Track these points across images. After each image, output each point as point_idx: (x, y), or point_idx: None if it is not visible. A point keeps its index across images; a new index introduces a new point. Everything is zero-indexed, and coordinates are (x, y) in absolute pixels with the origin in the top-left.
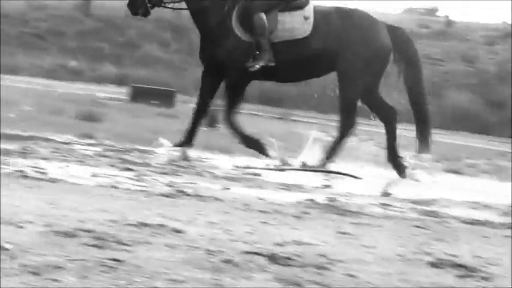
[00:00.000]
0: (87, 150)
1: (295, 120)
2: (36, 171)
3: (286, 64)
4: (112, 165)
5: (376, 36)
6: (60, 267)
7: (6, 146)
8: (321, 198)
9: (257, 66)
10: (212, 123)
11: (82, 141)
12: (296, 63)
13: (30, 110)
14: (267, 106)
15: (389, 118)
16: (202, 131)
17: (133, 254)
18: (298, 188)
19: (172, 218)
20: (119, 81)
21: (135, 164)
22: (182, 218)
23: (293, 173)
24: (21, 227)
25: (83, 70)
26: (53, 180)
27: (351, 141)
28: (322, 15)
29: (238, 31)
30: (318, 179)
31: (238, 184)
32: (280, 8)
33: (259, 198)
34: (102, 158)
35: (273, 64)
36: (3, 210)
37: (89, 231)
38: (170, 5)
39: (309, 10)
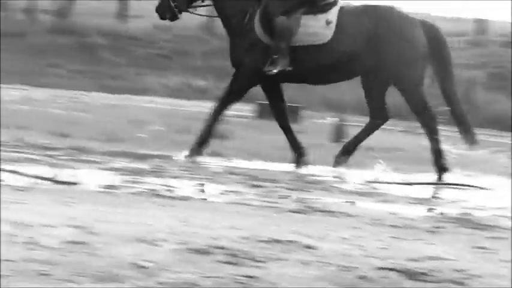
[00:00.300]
0: (216, 167)
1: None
2: (167, 190)
3: (308, 68)
4: (241, 182)
5: (415, 37)
6: (196, 285)
7: (138, 165)
8: (452, 211)
9: (274, 70)
10: (338, 138)
11: (211, 158)
12: (319, 68)
13: (160, 129)
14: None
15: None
16: (329, 145)
17: (266, 271)
18: (428, 201)
19: (304, 234)
20: (244, 99)
21: (264, 180)
22: (313, 234)
23: (418, 186)
24: (155, 245)
25: (208, 89)
26: (184, 198)
27: (481, 153)
28: (350, 17)
29: (259, 33)
30: (446, 192)
31: (367, 199)
32: (305, 10)
33: (390, 213)
34: (231, 175)
35: (290, 69)
36: (137, 228)
37: (221, 248)
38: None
39: (333, 13)
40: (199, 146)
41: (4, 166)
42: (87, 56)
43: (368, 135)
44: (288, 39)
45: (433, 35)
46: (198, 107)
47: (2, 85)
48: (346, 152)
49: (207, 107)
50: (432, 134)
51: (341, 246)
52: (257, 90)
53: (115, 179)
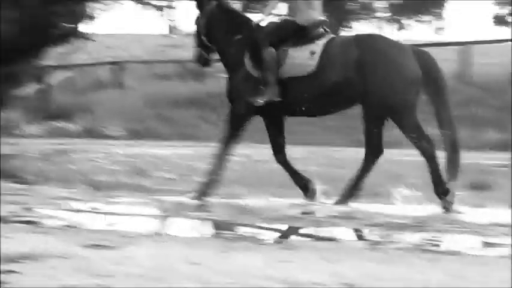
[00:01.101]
0: (479, 218)
1: None
2: (433, 244)
3: (297, 99)
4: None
5: (404, 62)
6: None
7: (399, 220)
8: None
9: (261, 101)
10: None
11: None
12: (308, 99)
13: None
14: None
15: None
16: None
17: None
18: None
19: None
20: (501, 147)
21: None
22: None
23: None
24: None
25: (462, 138)
26: (453, 253)
27: None
28: (338, 47)
29: (248, 67)
30: None
31: None
32: (292, 42)
33: None
34: (496, 227)
35: (278, 99)
36: (407, 283)
37: None
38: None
39: (319, 44)
40: (203, 191)
41: (266, 224)
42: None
43: (367, 173)
44: (274, 70)
45: (425, 61)
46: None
47: (257, 144)
48: (349, 196)
49: (462, 157)
50: (430, 160)
51: None
52: None
53: (378, 234)
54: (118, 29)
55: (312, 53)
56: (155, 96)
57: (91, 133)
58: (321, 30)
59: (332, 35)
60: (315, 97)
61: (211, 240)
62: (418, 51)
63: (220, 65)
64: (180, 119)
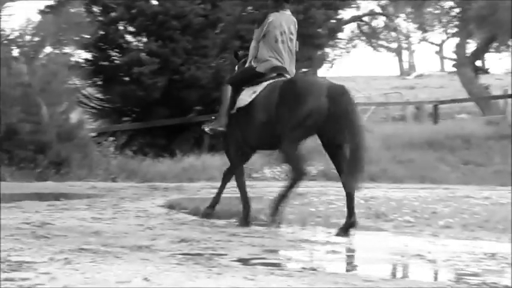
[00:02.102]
0: None
1: None
2: None
3: (242, 131)
4: None
5: (310, 97)
6: None
7: None
8: None
9: (206, 129)
10: None
11: None
12: (246, 132)
13: None
14: None
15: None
16: None
17: None
18: None
19: None
20: None
21: None
22: None
23: None
24: None
25: None
26: None
27: None
28: (268, 90)
29: None
30: None
31: None
32: (251, 83)
33: None
34: None
35: (221, 129)
36: None
37: None
38: None
39: (262, 85)
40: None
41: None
42: None
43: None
44: (225, 103)
45: (337, 93)
46: None
47: (499, 187)
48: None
49: None
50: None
51: None
52: None
53: None
54: (352, 71)
55: (254, 92)
56: (391, 138)
57: (326, 175)
58: (274, 74)
59: (278, 79)
60: (250, 131)
61: (456, 286)
62: (333, 86)
63: (457, 106)
64: (417, 161)
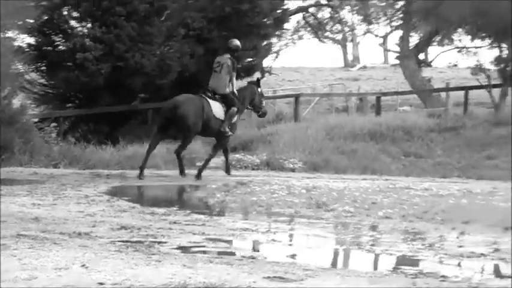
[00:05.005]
0: None
1: None
2: None
3: None
4: None
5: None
6: None
7: None
8: None
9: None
10: None
11: None
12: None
13: None
14: None
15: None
16: None
17: None
18: None
19: None
20: None
21: None
22: None
23: None
24: None
25: None
26: None
27: None
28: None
29: None
30: None
31: None
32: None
33: None
34: None
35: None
36: None
37: None
38: None
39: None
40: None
41: (450, 260)
42: None
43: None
44: None
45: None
46: None
47: (439, 178)
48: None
49: None
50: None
51: None
52: None
53: None
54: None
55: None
56: (334, 129)
57: (271, 165)
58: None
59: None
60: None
61: (393, 276)
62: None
63: (400, 98)
64: (359, 152)
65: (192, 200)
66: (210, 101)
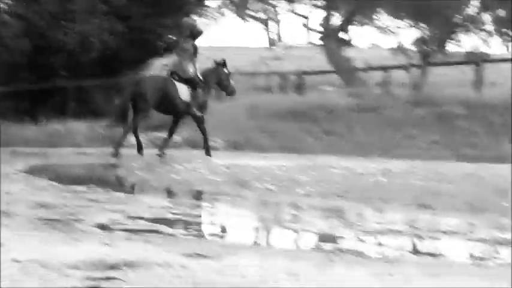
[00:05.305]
0: None
1: None
2: None
3: None
4: None
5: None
6: None
7: (503, 235)
8: None
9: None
10: None
11: None
12: None
13: None
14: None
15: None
16: None
17: None
18: None
19: None
20: None
21: None
22: None
23: None
24: None
25: None
26: None
27: None
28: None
29: None
30: None
31: None
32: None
33: None
34: None
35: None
36: None
37: None
38: None
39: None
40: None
41: (367, 238)
42: (443, 126)
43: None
44: None
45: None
46: None
47: (360, 158)
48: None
49: None
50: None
51: None
52: None
53: (481, 250)
54: (221, 41)
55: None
56: (257, 108)
57: (193, 144)
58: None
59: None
60: None
61: (312, 253)
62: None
63: (321, 78)
64: (281, 131)
65: (113, 178)
66: (176, 82)
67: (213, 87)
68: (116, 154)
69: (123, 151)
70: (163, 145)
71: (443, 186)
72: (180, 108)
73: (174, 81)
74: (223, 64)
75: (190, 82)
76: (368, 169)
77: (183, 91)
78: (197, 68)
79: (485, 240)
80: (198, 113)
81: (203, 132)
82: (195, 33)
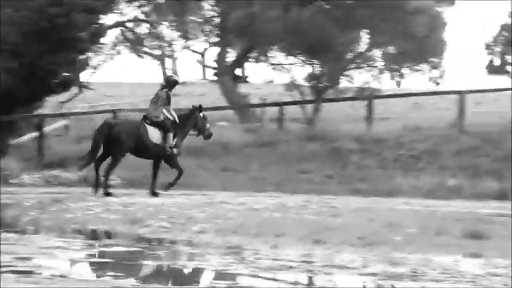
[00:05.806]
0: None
1: None
2: None
3: None
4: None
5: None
6: None
7: (396, 269)
8: None
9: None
10: None
11: (468, 260)
12: None
13: (414, 231)
14: None
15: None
16: None
17: None
18: None
19: None
20: (500, 196)
21: None
22: None
23: None
24: None
25: (461, 187)
26: None
27: None
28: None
29: None
30: None
31: None
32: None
33: None
34: (494, 277)
35: None
36: None
37: None
38: None
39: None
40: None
41: (262, 273)
42: (336, 160)
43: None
44: None
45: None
46: (451, 206)
47: (255, 193)
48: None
49: (461, 206)
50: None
51: None
52: None
53: (374, 285)
54: (117, 77)
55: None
56: None
57: (88, 182)
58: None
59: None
60: None
61: None
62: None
63: (217, 114)
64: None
65: (5, 218)
66: (148, 126)
67: (189, 130)
68: (95, 192)
69: (21, 189)
70: (151, 186)
71: (337, 220)
72: (152, 150)
73: (146, 125)
74: (199, 109)
75: (162, 126)
76: (263, 204)
77: (155, 135)
78: (173, 113)
79: (377, 275)
80: (169, 151)
81: (157, 168)
82: (171, 83)
